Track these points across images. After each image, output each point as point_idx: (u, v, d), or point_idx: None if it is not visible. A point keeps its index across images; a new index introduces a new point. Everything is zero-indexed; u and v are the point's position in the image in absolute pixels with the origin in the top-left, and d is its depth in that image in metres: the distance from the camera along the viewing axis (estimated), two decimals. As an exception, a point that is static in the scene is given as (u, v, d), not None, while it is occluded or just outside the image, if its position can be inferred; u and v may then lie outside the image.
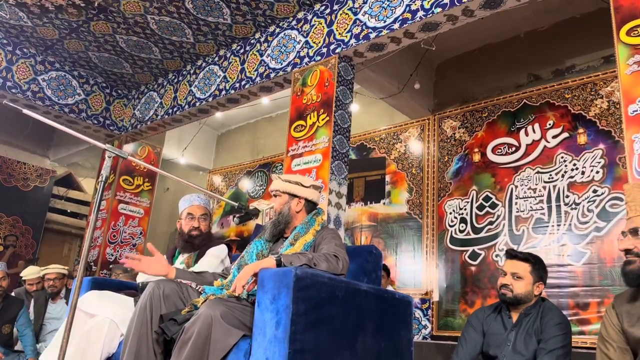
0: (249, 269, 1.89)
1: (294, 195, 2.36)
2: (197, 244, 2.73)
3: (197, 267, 2.59)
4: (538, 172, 4.64)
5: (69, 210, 8.72)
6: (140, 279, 2.65)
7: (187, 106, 5.54)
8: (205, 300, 1.94)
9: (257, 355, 1.69)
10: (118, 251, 6.06)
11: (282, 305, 1.68)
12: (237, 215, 7.20)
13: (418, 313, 5.06)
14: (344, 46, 4.12)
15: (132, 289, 2.70)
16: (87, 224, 7.71)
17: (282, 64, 4.60)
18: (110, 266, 5.87)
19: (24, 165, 7.86)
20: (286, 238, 2.31)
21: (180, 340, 1.78)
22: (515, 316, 2.42)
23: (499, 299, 2.47)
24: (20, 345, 4.17)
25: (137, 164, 6.17)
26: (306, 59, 4.39)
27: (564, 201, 4.43)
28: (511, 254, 2.49)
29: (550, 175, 4.57)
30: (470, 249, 4.91)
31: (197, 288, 2.25)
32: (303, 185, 2.38)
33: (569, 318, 4.02)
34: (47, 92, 5.81)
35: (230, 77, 5.12)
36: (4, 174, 7.59)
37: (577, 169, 4.43)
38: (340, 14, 4.23)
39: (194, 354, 1.72)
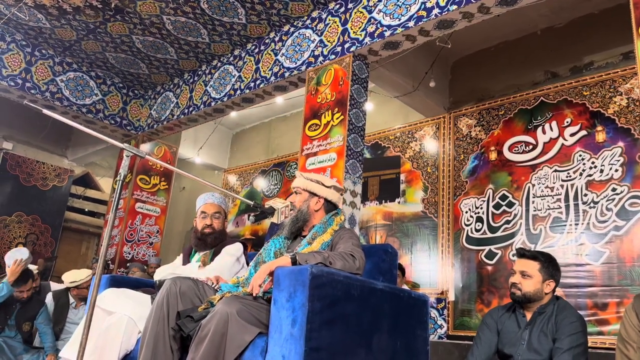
0: (265, 268, 1.90)
1: (313, 194, 2.37)
2: (210, 242, 2.74)
3: (211, 266, 2.60)
4: (556, 171, 4.59)
5: (86, 209, 8.83)
6: (158, 276, 2.68)
7: (202, 106, 5.57)
8: (221, 298, 1.95)
9: (274, 352, 1.69)
10: (135, 249, 6.13)
11: (298, 303, 1.68)
12: (253, 214, 7.23)
13: (434, 313, 5.03)
14: (359, 45, 4.11)
15: (149, 287, 2.72)
16: (104, 223, 7.80)
17: (296, 63, 4.61)
18: (128, 264, 5.94)
19: (43, 164, 7.98)
20: (304, 237, 2.32)
21: (197, 337, 1.79)
22: (529, 315, 2.41)
23: (510, 298, 2.46)
24: (39, 341, 4.23)
25: (154, 163, 6.23)
26: (320, 58, 4.39)
27: (582, 200, 4.37)
28: (520, 253, 2.48)
29: (568, 173, 4.51)
30: (487, 248, 4.87)
31: (213, 286, 2.26)
32: (324, 185, 2.38)
33: (587, 318, 3.98)
34: (65, 93, 5.89)
35: (245, 77, 5.14)
36: (23, 173, 7.72)
37: (595, 167, 4.37)
38: (355, 13, 4.23)
39: (211, 351, 1.73)
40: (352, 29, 4.21)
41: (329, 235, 2.23)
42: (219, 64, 5.58)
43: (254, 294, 1.89)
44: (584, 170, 4.42)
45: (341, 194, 2.46)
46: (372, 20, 4.06)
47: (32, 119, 7.53)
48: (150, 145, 6.49)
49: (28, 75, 5.60)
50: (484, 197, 5.02)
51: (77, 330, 2.36)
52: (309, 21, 4.65)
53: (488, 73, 5.40)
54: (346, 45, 4.21)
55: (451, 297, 5.01)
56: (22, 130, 7.80)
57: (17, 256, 3.94)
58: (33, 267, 4.55)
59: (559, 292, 4.16)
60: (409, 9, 3.81)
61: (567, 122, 4.64)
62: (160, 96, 6.34)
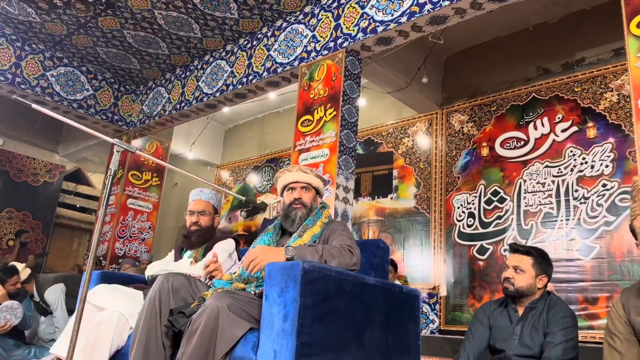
0: (262, 262, 1.89)
1: (317, 192, 2.39)
2: (194, 240, 2.71)
3: (204, 262, 2.59)
4: (547, 166, 4.61)
5: (78, 205, 8.80)
6: (149, 272, 2.67)
7: (194, 101, 5.55)
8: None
9: (265, 347, 1.69)
10: (127, 246, 6.10)
11: (290, 298, 1.68)
12: (245, 209, 7.22)
13: (426, 307, 5.05)
14: (351, 40, 4.10)
15: (140, 283, 2.71)
16: (96, 219, 7.76)
17: (289, 59, 4.60)
18: (120, 260, 5.91)
19: (34, 160, 7.92)
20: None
21: (187, 332, 1.78)
22: (521, 310, 2.42)
23: (503, 292, 2.47)
24: (32, 339, 4.22)
25: (146, 159, 6.20)
26: (313, 53, 4.38)
27: (573, 195, 4.40)
28: (514, 248, 2.49)
29: (559, 169, 4.54)
30: (478, 243, 4.90)
31: (206, 282, 2.26)
32: (324, 182, 2.42)
33: (577, 313, 4.02)
34: (56, 88, 5.84)
35: (237, 72, 5.12)
36: (14, 169, 7.66)
37: (586, 163, 4.40)
38: (348, 8, 4.22)
39: (202, 345, 1.73)
40: (344, 24, 4.20)
41: (318, 228, 2.24)
42: (211, 59, 5.56)
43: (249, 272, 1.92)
44: (574, 166, 4.45)
45: (324, 184, 2.48)
46: (365, 15, 4.06)
47: (22, 114, 7.47)
48: (142, 140, 6.45)
49: (18, 70, 5.55)
50: (476, 192, 5.04)
51: (68, 326, 2.35)
52: (301, 16, 4.63)
53: (480, 69, 5.42)
54: (339, 41, 4.20)
55: (443, 292, 5.04)
56: (13, 125, 7.74)
57: (8, 317, 3.84)
58: (20, 265, 4.51)
59: (550, 287, 4.19)
60: (401, 4, 3.81)
61: (559, 118, 4.67)
62: (152, 91, 6.30)
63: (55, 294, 4.30)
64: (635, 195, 1.84)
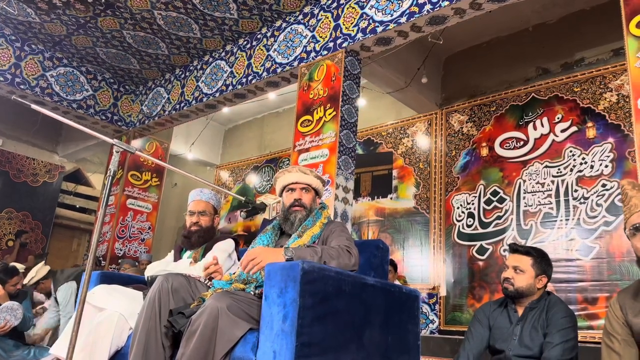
0: (262, 262, 1.88)
1: (317, 192, 2.39)
2: (194, 240, 2.72)
3: (203, 262, 2.58)
4: (546, 167, 4.61)
5: (77, 206, 8.79)
6: (149, 272, 2.67)
7: (194, 101, 5.55)
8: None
9: (265, 348, 1.69)
10: (127, 246, 6.10)
11: (289, 298, 1.68)
12: (244, 209, 7.21)
13: (425, 308, 5.05)
14: (351, 40, 4.10)
15: (140, 283, 2.71)
16: (95, 219, 7.76)
17: (288, 59, 4.60)
18: (119, 261, 5.91)
19: (33, 161, 7.92)
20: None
21: (187, 332, 1.78)
22: (520, 310, 2.42)
23: (502, 293, 2.47)
24: (31, 339, 4.21)
25: (145, 159, 6.20)
26: (313, 54, 4.38)
27: (572, 195, 4.40)
28: (513, 248, 2.49)
29: (559, 169, 4.54)
30: (478, 243, 4.90)
31: (205, 282, 2.26)
32: (323, 182, 2.43)
33: (577, 313, 4.02)
34: (56, 88, 5.84)
35: (237, 72, 5.12)
36: (13, 169, 7.66)
37: (585, 163, 4.40)
38: (347, 8, 4.22)
39: (201, 345, 1.73)
40: (344, 24, 4.20)
41: (318, 229, 2.24)
42: (210, 60, 5.56)
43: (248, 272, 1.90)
44: (574, 166, 4.45)
45: (323, 184, 2.48)
46: (364, 15, 4.06)
47: (22, 115, 7.47)
48: (142, 141, 6.45)
49: (17, 71, 5.55)
50: (476, 192, 5.04)
51: (68, 326, 2.35)
52: (301, 16, 4.63)
53: (480, 69, 5.42)
54: (338, 41, 4.20)
55: (443, 292, 5.04)
56: (12, 125, 7.73)
57: (7, 317, 3.82)
58: (20, 266, 4.50)
59: (550, 287, 4.19)
60: (400, 4, 3.81)
61: (558, 118, 4.67)
62: (152, 92, 6.30)
63: (66, 294, 4.31)
64: (624, 200, 1.85)
